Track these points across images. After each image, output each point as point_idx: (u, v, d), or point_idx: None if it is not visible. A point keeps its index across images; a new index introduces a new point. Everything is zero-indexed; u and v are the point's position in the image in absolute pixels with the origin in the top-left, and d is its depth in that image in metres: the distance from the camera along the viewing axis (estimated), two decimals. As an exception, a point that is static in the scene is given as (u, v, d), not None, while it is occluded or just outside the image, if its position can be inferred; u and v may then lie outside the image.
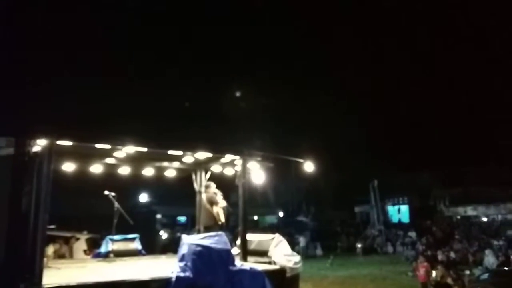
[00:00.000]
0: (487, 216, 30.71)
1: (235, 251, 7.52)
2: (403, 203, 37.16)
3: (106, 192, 7.86)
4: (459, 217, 32.12)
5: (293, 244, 20.50)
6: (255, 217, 37.54)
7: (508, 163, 30.57)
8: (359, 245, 21.64)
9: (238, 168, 7.85)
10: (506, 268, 11.82)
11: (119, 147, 7.08)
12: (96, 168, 8.24)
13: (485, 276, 4.97)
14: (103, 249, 8.40)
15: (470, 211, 30.99)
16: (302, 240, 23.68)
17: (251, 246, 8.15)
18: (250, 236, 8.39)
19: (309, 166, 9.03)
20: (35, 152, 6.41)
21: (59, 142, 6.31)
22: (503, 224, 26.73)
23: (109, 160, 8.10)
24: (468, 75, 41.18)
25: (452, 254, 17.37)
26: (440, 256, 15.29)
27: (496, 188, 30.17)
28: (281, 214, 37.63)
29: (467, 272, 12.90)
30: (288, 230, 28.10)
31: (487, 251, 16.42)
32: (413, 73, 41.94)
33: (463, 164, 33.92)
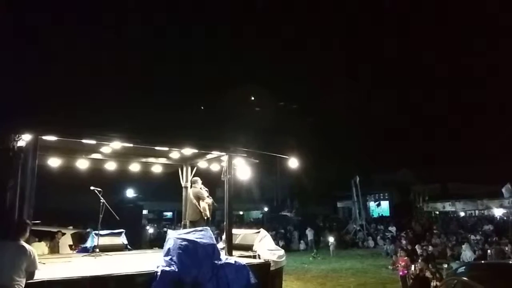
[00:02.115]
0: (464, 212, 31.55)
1: (221, 245, 7.64)
2: (384, 199, 37.86)
3: (92, 188, 7.86)
4: (437, 212, 32.90)
5: (277, 239, 20.78)
6: (241, 212, 37.75)
7: (484, 161, 31.57)
8: (331, 240, 21.82)
9: (224, 164, 7.95)
10: (482, 262, 12.23)
11: (105, 142, 7.10)
12: (82, 164, 8.23)
13: (462, 269, 5.17)
14: (89, 244, 8.42)
15: (448, 206, 31.76)
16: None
17: (236, 241, 8.30)
18: (235, 231, 8.53)
19: (293, 163, 9.22)
20: (20, 147, 6.38)
21: (44, 137, 6.29)
22: (480, 220, 27.51)
23: (95, 156, 8.10)
24: (446, 74, 42.24)
25: (431, 248, 17.82)
26: (418, 251, 15.67)
27: (473, 185, 31.05)
28: (266, 209, 37.89)
29: (445, 265, 13.29)
30: (272, 224, 28.42)
31: (465, 246, 16.87)
32: (393, 73, 42.85)
33: (441, 161, 34.84)
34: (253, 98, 38.19)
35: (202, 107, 38.05)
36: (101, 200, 7.78)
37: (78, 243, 10.00)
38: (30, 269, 4.23)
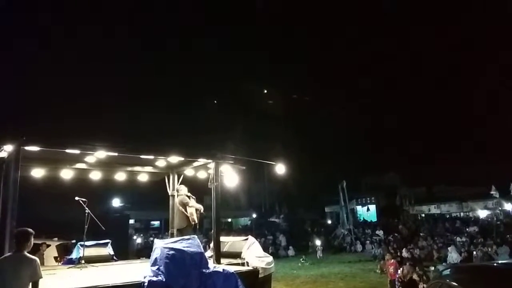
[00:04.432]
0: (449, 214, 31.98)
1: (209, 253, 7.60)
2: (371, 203, 38.14)
3: (77, 198, 7.75)
4: (423, 215, 33.28)
5: (266, 245, 20.77)
6: (229, 219, 37.59)
7: (468, 164, 32.18)
8: (318, 243, 21.93)
9: (211, 171, 7.93)
10: (467, 264, 12.42)
11: (90, 152, 7.01)
12: (67, 174, 8.11)
13: (447, 271, 5.23)
14: (74, 255, 8.29)
15: (433, 209, 32.16)
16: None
17: (225, 248, 8.27)
18: (223, 238, 8.50)
19: (280, 168, 9.24)
20: (1, 158, 6.27)
21: (27, 148, 6.19)
22: (465, 222, 27.91)
23: (80, 165, 7.99)
24: (428, 79, 43.05)
25: (418, 251, 18.02)
26: (406, 254, 15.82)
27: (458, 187, 31.55)
28: (254, 215, 37.82)
29: (432, 268, 13.45)
30: (261, 231, 28.39)
31: (450, 248, 17.10)
32: (377, 79, 43.48)
33: (426, 164, 35.35)
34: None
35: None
36: (86, 211, 7.67)
37: (64, 255, 9.83)
38: (33, 279, 4.31)
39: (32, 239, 4.60)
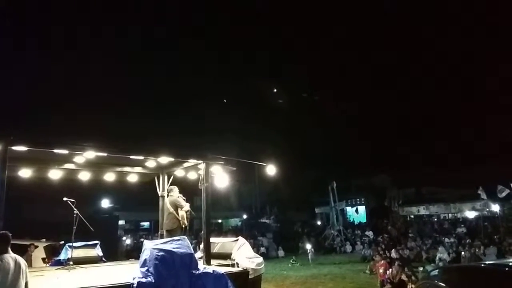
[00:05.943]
0: (438, 215, 32.33)
1: (199, 254, 7.58)
2: (361, 204, 38.36)
3: (65, 199, 7.67)
4: (412, 216, 33.61)
5: (256, 246, 20.77)
6: (219, 220, 37.50)
7: (456, 166, 32.59)
8: (308, 246, 21.95)
9: (201, 172, 7.91)
10: (454, 265, 12.58)
11: (78, 152, 6.95)
12: (55, 174, 8.04)
13: (435, 272, 5.31)
14: (62, 256, 8.21)
15: (422, 210, 32.49)
16: (264, 241, 24.30)
17: (215, 249, 8.26)
18: (213, 239, 8.49)
19: (271, 169, 9.28)
20: (-12, 158, 6.17)
21: (14, 148, 6.12)
22: (453, 223, 28.26)
23: (68, 166, 7.92)
24: (417, 79, 43.40)
25: (407, 252, 18.18)
26: (395, 255, 15.93)
27: (446, 189, 31.92)
28: (245, 216, 37.80)
29: (421, 268, 13.61)
30: (251, 232, 28.36)
31: (440, 249, 17.34)
32: (366, 81, 43.74)
33: (415, 166, 35.67)
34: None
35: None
36: (74, 211, 7.60)
37: (52, 256, 9.71)
38: (26, 279, 4.44)
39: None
